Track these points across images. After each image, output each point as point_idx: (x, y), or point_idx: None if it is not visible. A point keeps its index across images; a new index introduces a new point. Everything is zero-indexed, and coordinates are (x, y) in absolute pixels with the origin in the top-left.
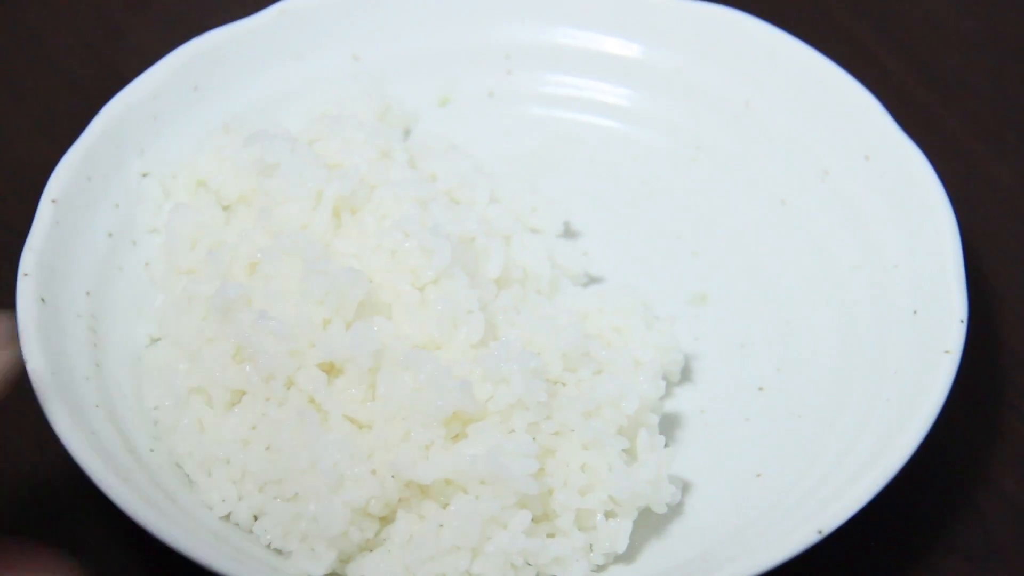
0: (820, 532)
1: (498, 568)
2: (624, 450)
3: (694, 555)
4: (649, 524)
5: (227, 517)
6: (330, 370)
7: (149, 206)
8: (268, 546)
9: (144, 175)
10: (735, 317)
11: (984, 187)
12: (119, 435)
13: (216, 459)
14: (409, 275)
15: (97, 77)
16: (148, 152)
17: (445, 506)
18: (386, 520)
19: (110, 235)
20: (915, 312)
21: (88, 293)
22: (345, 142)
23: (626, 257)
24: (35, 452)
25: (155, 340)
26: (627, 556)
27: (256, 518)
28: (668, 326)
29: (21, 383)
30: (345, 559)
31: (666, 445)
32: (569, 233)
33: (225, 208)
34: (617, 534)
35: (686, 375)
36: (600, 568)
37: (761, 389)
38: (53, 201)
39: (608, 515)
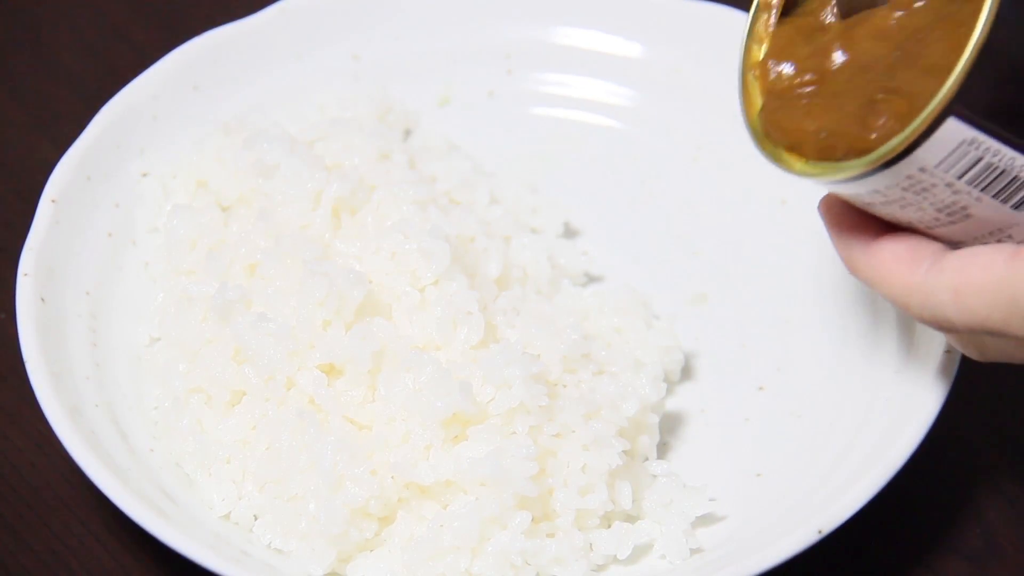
0: (820, 532)
1: (498, 568)
2: (624, 451)
3: (694, 555)
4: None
5: (227, 517)
6: (330, 371)
7: (149, 206)
8: (268, 545)
9: (144, 175)
10: (735, 317)
11: None
12: (119, 435)
13: (216, 459)
14: (409, 276)
15: (97, 77)
16: (148, 152)
17: (445, 506)
18: (386, 520)
19: (110, 235)
20: None
21: (88, 293)
22: (345, 143)
23: (626, 257)
24: (35, 452)
25: (155, 340)
26: (627, 556)
27: (256, 517)
28: (668, 326)
29: (21, 383)
30: (345, 559)
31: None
32: (569, 233)
33: (225, 209)
34: (619, 538)
35: (686, 375)
36: (600, 568)
37: (761, 389)
38: (53, 201)
39: (609, 516)
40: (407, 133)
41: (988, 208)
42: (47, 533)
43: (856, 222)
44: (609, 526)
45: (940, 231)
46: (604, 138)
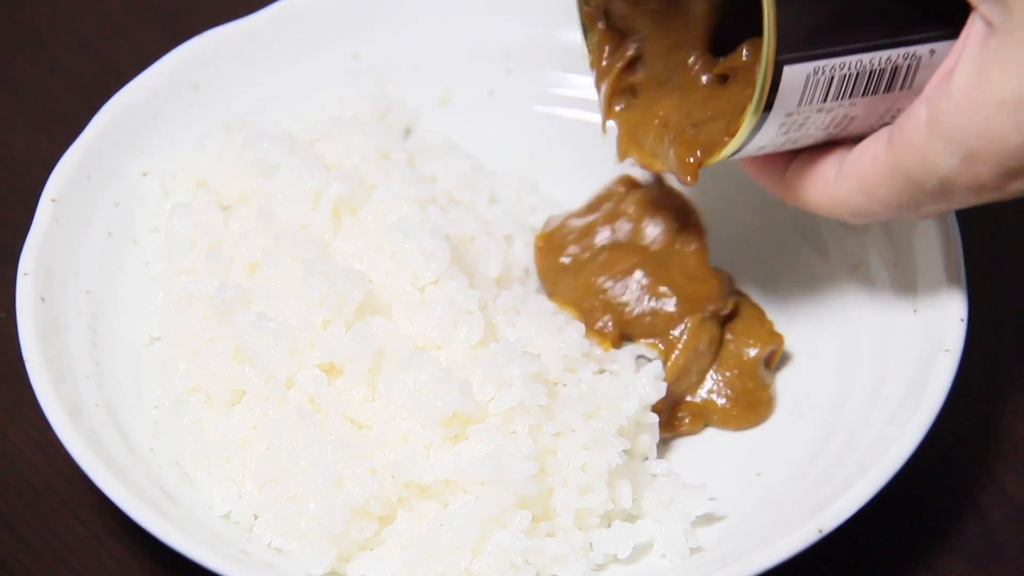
0: (820, 531)
1: (498, 567)
2: (624, 451)
3: (694, 554)
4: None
5: (227, 516)
6: (330, 371)
7: (149, 205)
8: (268, 545)
9: (144, 174)
10: None
11: None
12: (119, 434)
13: (216, 458)
14: (409, 276)
15: (97, 77)
16: (148, 151)
17: (445, 506)
18: (386, 519)
19: (110, 234)
20: (915, 311)
21: (88, 292)
22: (345, 142)
23: None
24: (35, 452)
25: (155, 339)
26: (627, 555)
27: (256, 517)
28: None
29: (21, 383)
30: (345, 558)
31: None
32: None
33: (224, 208)
34: (619, 537)
35: None
36: (600, 567)
37: None
38: (53, 200)
39: (609, 515)
40: (407, 132)
41: (866, 104)
42: (47, 533)
43: (766, 160)
44: (609, 525)
45: (841, 136)
46: (604, 137)
